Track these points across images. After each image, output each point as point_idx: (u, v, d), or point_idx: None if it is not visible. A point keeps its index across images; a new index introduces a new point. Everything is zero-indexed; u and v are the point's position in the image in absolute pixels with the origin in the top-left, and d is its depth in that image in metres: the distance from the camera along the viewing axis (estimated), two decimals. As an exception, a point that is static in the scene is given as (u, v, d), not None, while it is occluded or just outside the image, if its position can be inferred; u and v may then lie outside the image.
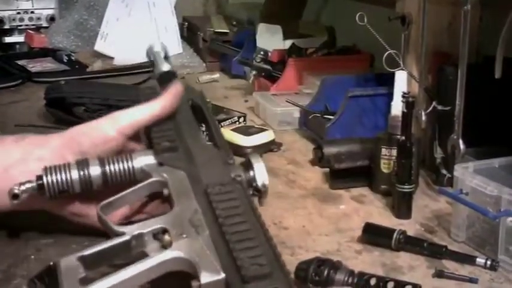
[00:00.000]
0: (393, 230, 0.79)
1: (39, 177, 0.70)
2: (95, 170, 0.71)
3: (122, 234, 0.61)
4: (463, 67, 0.86)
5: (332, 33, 1.66)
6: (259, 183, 0.70)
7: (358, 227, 0.82)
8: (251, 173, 0.70)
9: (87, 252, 0.59)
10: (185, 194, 0.65)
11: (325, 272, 0.66)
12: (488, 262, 0.74)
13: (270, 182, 1.00)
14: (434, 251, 0.77)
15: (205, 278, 0.54)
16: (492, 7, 1.01)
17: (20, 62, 1.76)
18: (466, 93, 0.87)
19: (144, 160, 0.72)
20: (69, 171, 0.70)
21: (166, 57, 0.89)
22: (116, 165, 0.72)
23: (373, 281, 0.67)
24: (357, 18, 1.07)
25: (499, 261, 0.75)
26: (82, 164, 0.71)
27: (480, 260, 0.75)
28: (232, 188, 0.64)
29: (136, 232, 0.61)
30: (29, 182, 0.70)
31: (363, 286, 0.66)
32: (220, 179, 0.66)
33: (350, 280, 0.66)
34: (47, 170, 0.70)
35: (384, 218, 0.89)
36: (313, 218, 0.89)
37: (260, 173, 0.70)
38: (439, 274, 0.73)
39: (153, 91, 0.84)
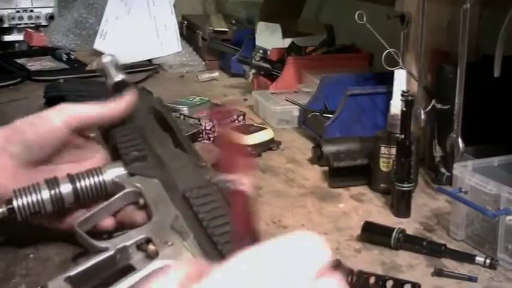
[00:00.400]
0: (392, 229, 0.79)
1: (9, 201, 0.67)
2: (65, 188, 0.69)
3: (105, 249, 0.61)
4: (462, 66, 0.86)
5: (331, 32, 1.66)
6: None
7: (357, 226, 0.82)
8: None
9: (74, 272, 0.58)
10: (162, 202, 0.65)
11: (324, 271, 0.66)
12: (488, 260, 0.74)
13: (269, 181, 1.01)
14: (434, 250, 0.77)
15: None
16: (491, 6, 1.01)
17: (19, 61, 1.77)
18: (465, 92, 0.87)
19: (114, 172, 0.71)
20: (39, 192, 0.68)
21: (118, 67, 0.88)
22: (87, 180, 0.70)
23: (372, 280, 0.67)
24: (356, 17, 1.07)
25: (498, 260, 0.75)
26: (51, 182, 0.69)
27: (479, 259, 0.75)
28: (210, 190, 0.63)
29: (120, 245, 0.60)
30: None
31: (362, 285, 0.66)
32: (196, 182, 0.65)
33: (349, 279, 0.66)
34: (16, 193, 0.68)
35: (383, 216, 0.88)
36: (312, 216, 0.89)
37: None
38: (438, 273, 0.73)
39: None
